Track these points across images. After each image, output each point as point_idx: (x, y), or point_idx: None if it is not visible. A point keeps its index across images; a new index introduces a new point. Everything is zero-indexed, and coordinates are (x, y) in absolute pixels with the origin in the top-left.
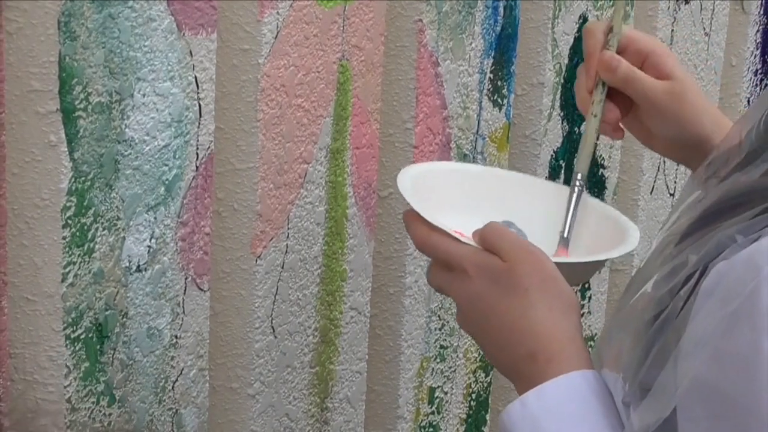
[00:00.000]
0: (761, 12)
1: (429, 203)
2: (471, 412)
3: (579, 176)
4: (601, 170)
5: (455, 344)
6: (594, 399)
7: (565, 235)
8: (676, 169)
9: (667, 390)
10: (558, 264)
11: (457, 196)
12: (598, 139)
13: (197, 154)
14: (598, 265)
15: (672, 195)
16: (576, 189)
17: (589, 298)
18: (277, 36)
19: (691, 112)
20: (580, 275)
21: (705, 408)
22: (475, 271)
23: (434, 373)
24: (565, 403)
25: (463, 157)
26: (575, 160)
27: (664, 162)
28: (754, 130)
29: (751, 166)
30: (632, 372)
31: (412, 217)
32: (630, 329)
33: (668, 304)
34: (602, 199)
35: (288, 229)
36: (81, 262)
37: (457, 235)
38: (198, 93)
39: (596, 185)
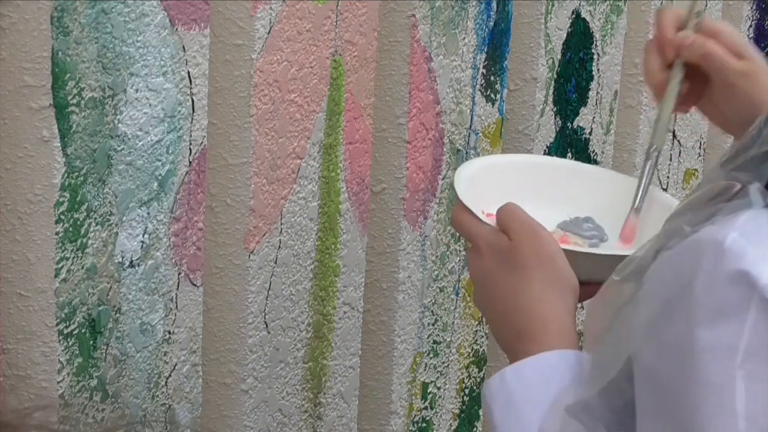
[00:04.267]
0: (753, 7)
1: (510, 195)
2: (464, 407)
3: (654, 147)
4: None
5: (448, 340)
6: (569, 378)
7: (636, 204)
8: (669, 164)
9: (610, 359)
10: (566, 252)
11: (541, 190)
12: (674, 114)
13: (190, 149)
14: (609, 260)
15: (665, 190)
16: (650, 162)
17: None
18: (270, 31)
19: (764, 93)
20: (591, 268)
21: (651, 394)
22: (486, 250)
23: (427, 369)
24: (539, 381)
25: (456, 153)
26: (651, 134)
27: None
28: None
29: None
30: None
31: (459, 206)
32: (605, 314)
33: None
34: None
35: (281, 224)
36: (74, 257)
37: (483, 216)
38: (191, 88)
39: None
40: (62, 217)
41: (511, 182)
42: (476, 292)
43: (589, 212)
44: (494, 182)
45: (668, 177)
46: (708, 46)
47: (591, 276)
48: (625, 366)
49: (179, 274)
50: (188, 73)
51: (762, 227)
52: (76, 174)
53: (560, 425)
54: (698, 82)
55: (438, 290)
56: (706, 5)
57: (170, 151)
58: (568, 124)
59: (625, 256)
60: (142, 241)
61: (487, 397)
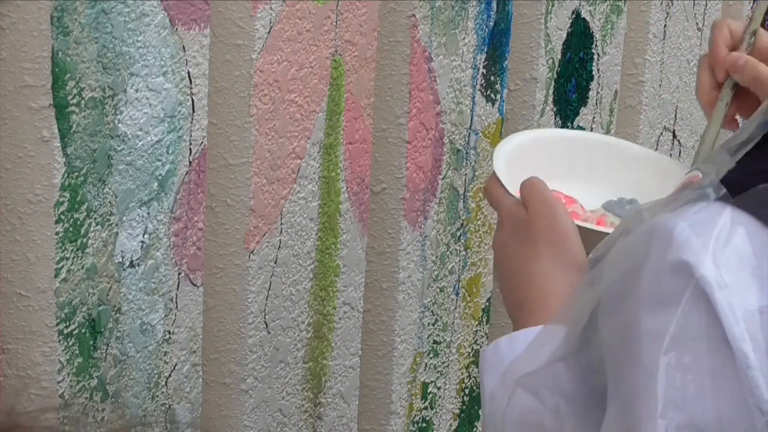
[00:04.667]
0: (754, 7)
1: (551, 171)
2: (464, 407)
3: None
4: None
5: (448, 339)
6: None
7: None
8: None
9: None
10: (580, 229)
11: (582, 167)
12: (718, 133)
13: (190, 149)
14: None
15: None
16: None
17: None
18: (270, 31)
19: None
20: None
21: (609, 370)
22: (507, 220)
23: (427, 369)
24: (530, 351)
25: (456, 153)
26: (695, 154)
27: None
28: None
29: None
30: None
31: (492, 179)
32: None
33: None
34: None
35: (281, 224)
36: (74, 257)
37: (505, 183)
38: (191, 88)
39: None
40: (62, 217)
41: (558, 158)
42: (495, 262)
43: (635, 194)
44: (539, 157)
45: None
46: (759, 69)
47: None
48: (587, 332)
49: (179, 274)
50: (188, 73)
51: (710, 220)
52: (76, 174)
53: (509, 395)
54: (749, 101)
55: (438, 290)
56: (704, 7)
57: (170, 151)
58: (568, 124)
59: None
60: (142, 241)
61: (482, 364)
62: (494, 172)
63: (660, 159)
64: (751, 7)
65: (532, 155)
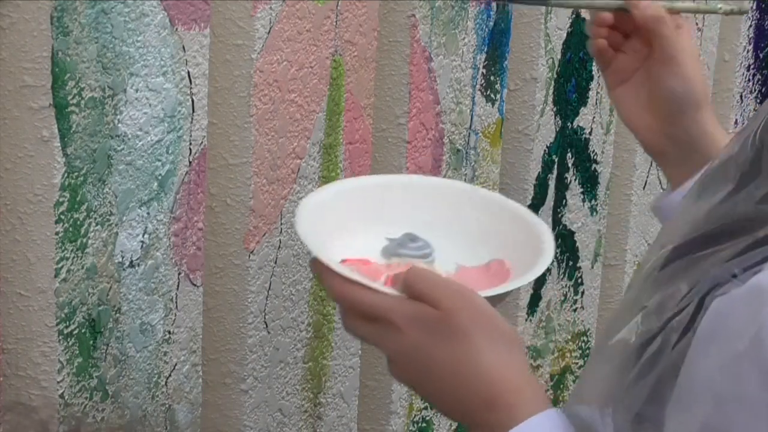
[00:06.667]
0: (753, 7)
1: (329, 235)
2: None
3: None
4: (594, 165)
5: None
6: None
7: None
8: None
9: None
10: (489, 298)
11: (356, 216)
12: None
13: (190, 149)
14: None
15: (664, 190)
16: None
17: (582, 293)
18: (270, 31)
19: (693, 85)
20: (504, 298)
21: None
22: (405, 323)
23: None
24: None
25: (456, 153)
26: None
27: None
28: (749, 140)
29: (745, 191)
30: (624, 405)
31: (322, 268)
32: (616, 363)
33: (657, 334)
34: (595, 195)
35: (281, 224)
36: (74, 257)
37: (369, 282)
38: (191, 88)
39: (589, 180)
40: (62, 217)
41: (356, 209)
42: (401, 369)
43: (406, 228)
44: (321, 225)
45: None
46: (661, 13)
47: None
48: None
49: (179, 274)
50: (188, 73)
51: None
52: (76, 174)
53: None
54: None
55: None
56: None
57: (170, 151)
58: (568, 124)
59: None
60: (142, 241)
61: None
62: (342, 274)
63: (452, 185)
64: None
65: (320, 226)
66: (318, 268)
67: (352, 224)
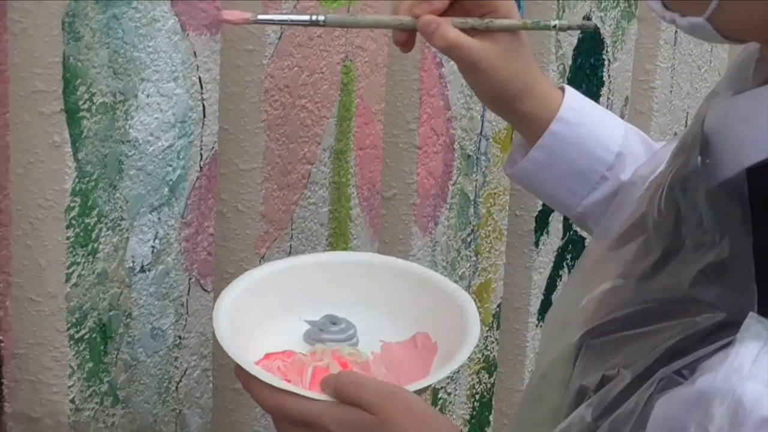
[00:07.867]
0: None
1: (248, 331)
2: (474, 413)
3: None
4: None
5: None
6: None
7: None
8: None
9: None
10: (419, 391)
11: (273, 304)
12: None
13: (201, 154)
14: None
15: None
16: None
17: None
18: (281, 37)
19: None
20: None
21: None
22: (340, 428)
23: None
24: None
25: (467, 158)
26: None
27: None
28: (657, 201)
29: (673, 267)
30: None
31: (248, 377)
32: None
33: (600, 417)
34: None
35: (292, 229)
36: (85, 262)
37: (298, 390)
38: (202, 93)
39: None
40: (73, 222)
41: (251, 310)
42: None
43: (325, 308)
44: (239, 321)
45: None
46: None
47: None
48: None
49: (190, 279)
50: (199, 78)
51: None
52: (87, 179)
53: None
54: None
55: None
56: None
57: (181, 157)
58: None
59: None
60: (153, 246)
61: None
62: (273, 386)
63: (367, 258)
64: None
65: (249, 311)
66: (243, 377)
67: (270, 313)
